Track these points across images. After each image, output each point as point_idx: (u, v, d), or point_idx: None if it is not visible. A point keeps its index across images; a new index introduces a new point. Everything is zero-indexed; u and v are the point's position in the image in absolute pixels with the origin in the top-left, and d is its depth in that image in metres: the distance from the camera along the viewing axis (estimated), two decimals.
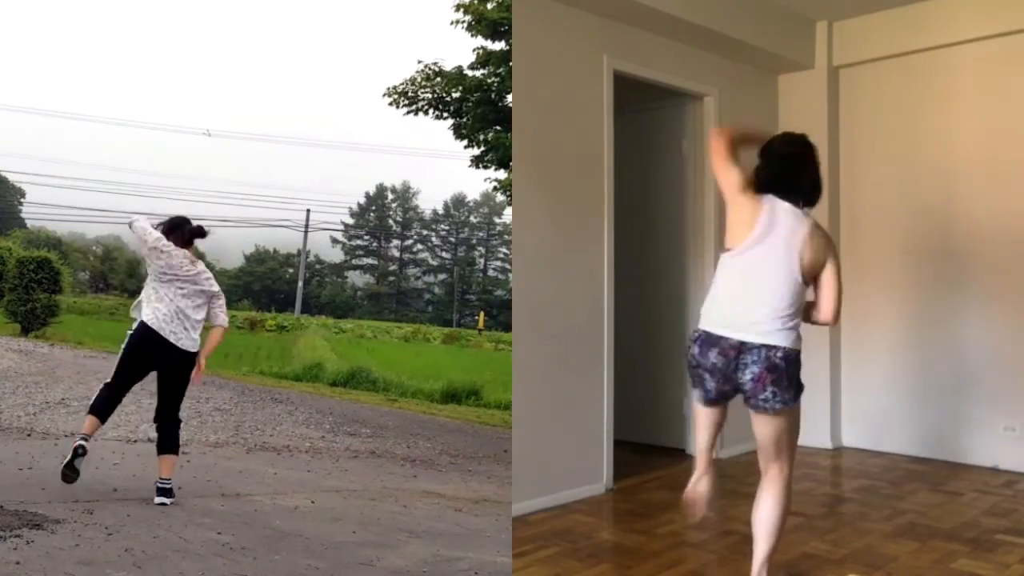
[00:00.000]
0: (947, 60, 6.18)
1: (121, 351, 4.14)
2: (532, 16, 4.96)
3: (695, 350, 3.20)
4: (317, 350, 14.60)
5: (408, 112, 9.31)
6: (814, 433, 6.61)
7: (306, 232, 34.67)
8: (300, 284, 34.31)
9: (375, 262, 46.69)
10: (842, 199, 6.71)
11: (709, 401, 3.27)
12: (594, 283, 5.33)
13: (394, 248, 47.50)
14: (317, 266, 43.05)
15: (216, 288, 4.22)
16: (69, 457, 3.89)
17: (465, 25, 8.89)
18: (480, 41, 9.00)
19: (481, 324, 31.37)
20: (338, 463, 5.62)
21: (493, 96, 8.98)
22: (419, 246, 47.22)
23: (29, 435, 5.42)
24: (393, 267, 46.61)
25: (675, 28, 5.63)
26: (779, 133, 3.43)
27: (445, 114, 9.36)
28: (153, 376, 4.18)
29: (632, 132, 6.37)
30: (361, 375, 10.93)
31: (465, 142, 9.32)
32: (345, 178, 52.72)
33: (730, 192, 3.22)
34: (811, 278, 3.22)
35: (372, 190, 46.72)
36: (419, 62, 9.21)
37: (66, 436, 5.51)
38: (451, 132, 9.43)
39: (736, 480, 5.58)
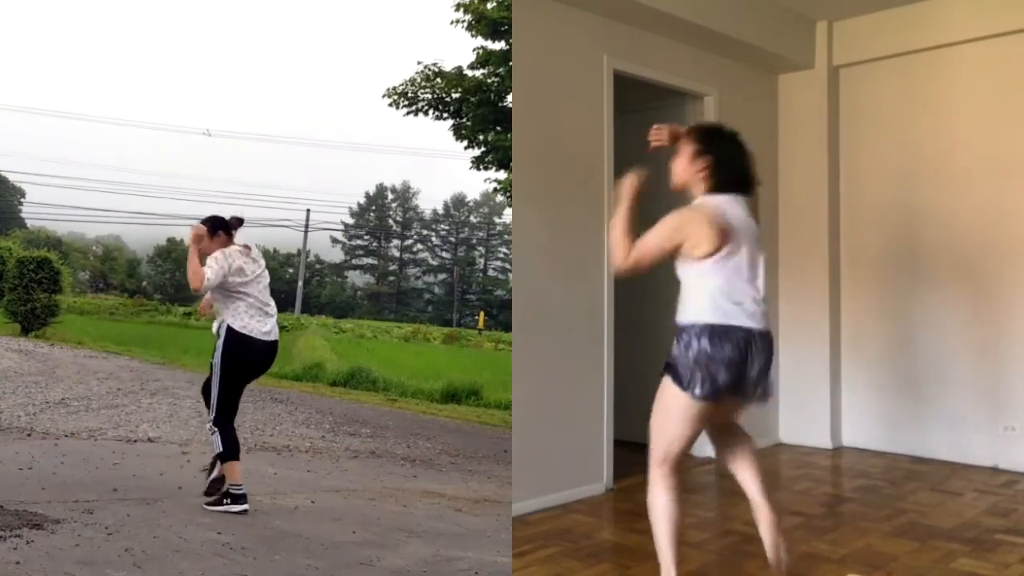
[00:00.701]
0: (947, 60, 6.18)
1: (219, 378, 3.99)
2: (532, 16, 4.96)
3: (702, 344, 3.10)
4: (317, 350, 14.59)
5: (408, 113, 9.33)
6: (814, 433, 6.62)
7: (306, 232, 34.71)
8: (300, 284, 34.34)
9: (375, 262, 46.70)
10: (842, 199, 6.72)
11: (717, 397, 3.13)
12: (594, 283, 5.33)
13: (394, 248, 47.50)
14: (317, 266, 43.07)
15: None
16: (236, 507, 3.84)
17: (465, 25, 8.90)
18: (480, 41, 9.02)
19: (481, 324, 31.37)
20: (338, 463, 5.62)
21: (493, 97, 8.99)
22: (419, 246, 47.22)
23: (29, 435, 5.42)
24: (393, 267, 46.61)
25: (675, 28, 5.63)
26: (693, 126, 3.54)
27: (445, 115, 9.37)
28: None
29: (632, 132, 6.36)
30: (361, 375, 10.92)
31: (465, 143, 9.33)
32: (345, 178, 52.80)
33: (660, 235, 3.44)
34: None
35: (372, 190, 46.74)
36: (419, 63, 9.23)
37: (66, 436, 5.52)
38: (451, 133, 9.44)
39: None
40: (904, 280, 6.39)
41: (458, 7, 8.87)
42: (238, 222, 4.32)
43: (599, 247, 5.34)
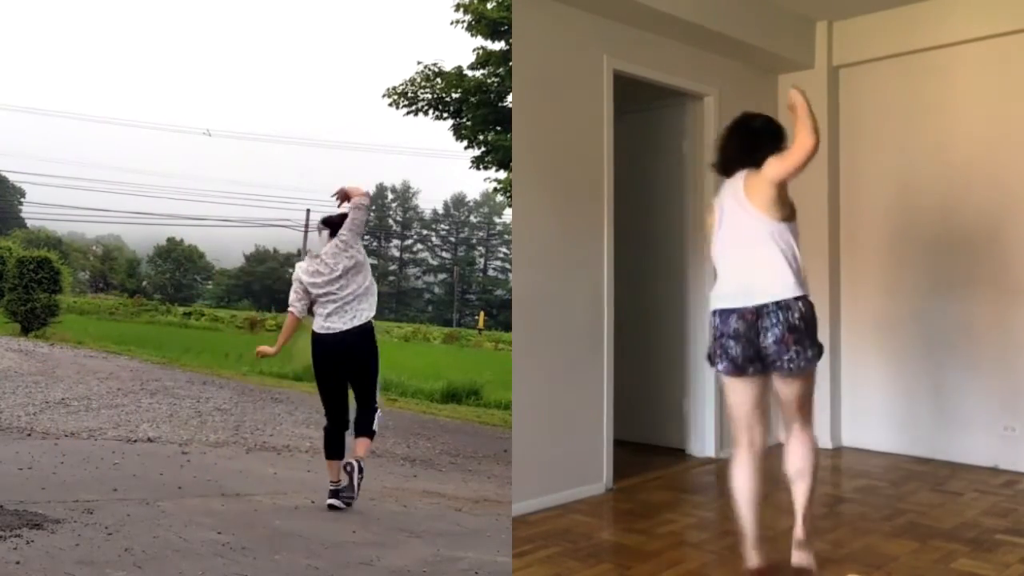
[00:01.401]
0: (947, 60, 6.18)
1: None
2: (532, 16, 4.96)
3: (715, 321, 3.43)
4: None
5: (408, 113, 9.33)
6: (815, 432, 6.61)
7: (306, 232, 34.61)
8: None
9: (375, 262, 46.69)
10: (842, 199, 6.71)
11: (737, 368, 3.35)
12: (594, 283, 5.33)
13: (394, 248, 47.52)
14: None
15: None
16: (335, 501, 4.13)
17: (465, 25, 8.90)
18: (480, 41, 9.02)
19: (481, 324, 31.38)
20: None
21: (493, 97, 8.99)
22: (419, 246, 47.25)
23: (29, 435, 5.42)
24: (393, 267, 46.62)
25: (675, 28, 5.63)
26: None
27: (445, 115, 9.37)
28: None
29: (632, 132, 6.37)
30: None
31: (465, 143, 9.33)
32: (345, 178, 52.64)
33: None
34: (777, 208, 3.43)
35: (372, 190, 46.57)
36: (419, 63, 9.23)
37: (66, 436, 5.52)
38: (451, 133, 9.44)
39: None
40: (904, 280, 6.38)
41: (458, 7, 8.88)
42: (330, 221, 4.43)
43: (599, 247, 5.34)
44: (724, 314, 3.39)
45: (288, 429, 6.77)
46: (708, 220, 3.62)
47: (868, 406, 6.53)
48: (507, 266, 42.63)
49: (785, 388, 3.44)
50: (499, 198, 22.61)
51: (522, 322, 4.86)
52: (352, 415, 4.32)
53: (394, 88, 9.30)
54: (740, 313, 3.33)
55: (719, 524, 4.66)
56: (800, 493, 3.49)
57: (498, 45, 8.96)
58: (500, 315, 36.77)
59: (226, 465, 5.12)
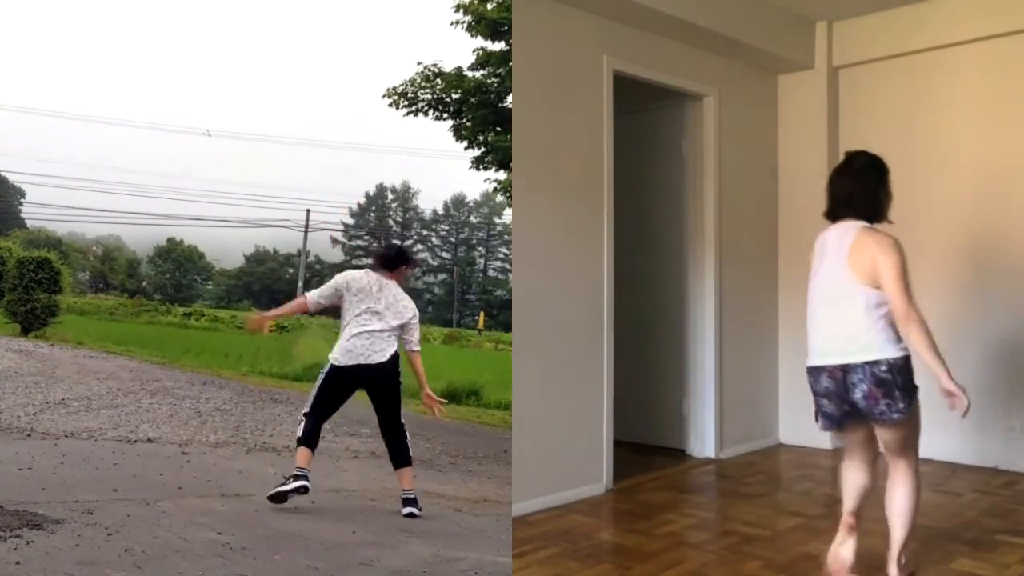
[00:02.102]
0: (947, 60, 6.18)
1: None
2: (532, 16, 4.96)
3: (809, 379, 3.45)
4: (317, 350, 14.56)
5: (408, 113, 9.33)
6: (814, 433, 6.59)
7: (306, 232, 34.66)
8: (300, 284, 34.27)
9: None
10: None
11: (835, 424, 3.44)
12: (594, 283, 5.33)
13: None
14: (317, 266, 43.02)
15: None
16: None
17: (465, 25, 8.90)
18: (480, 41, 9.02)
19: (481, 324, 31.39)
20: (338, 463, 5.63)
21: (493, 98, 8.99)
22: (419, 246, 47.21)
23: (29, 435, 5.42)
24: None
25: (675, 28, 5.63)
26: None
27: (445, 115, 9.37)
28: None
29: (632, 132, 6.37)
30: None
31: (465, 143, 9.33)
32: (345, 178, 52.80)
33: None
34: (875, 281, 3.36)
35: (372, 190, 46.75)
36: (419, 63, 9.23)
37: (66, 436, 5.52)
38: (451, 133, 9.44)
39: (735, 480, 5.59)
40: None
41: (458, 8, 8.87)
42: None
43: (599, 247, 5.34)
44: (815, 372, 3.43)
45: (288, 429, 6.76)
46: (812, 260, 3.65)
47: None
48: (507, 266, 42.63)
49: (884, 435, 3.43)
50: (499, 198, 22.60)
51: (522, 322, 4.86)
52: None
53: (394, 88, 9.30)
54: (829, 371, 3.36)
55: (719, 524, 4.67)
56: (896, 534, 3.44)
57: (498, 45, 8.96)
58: (500, 315, 36.76)
59: (226, 465, 5.13)
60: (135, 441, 5.60)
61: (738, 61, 6.38)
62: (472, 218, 47.34)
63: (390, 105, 9.31)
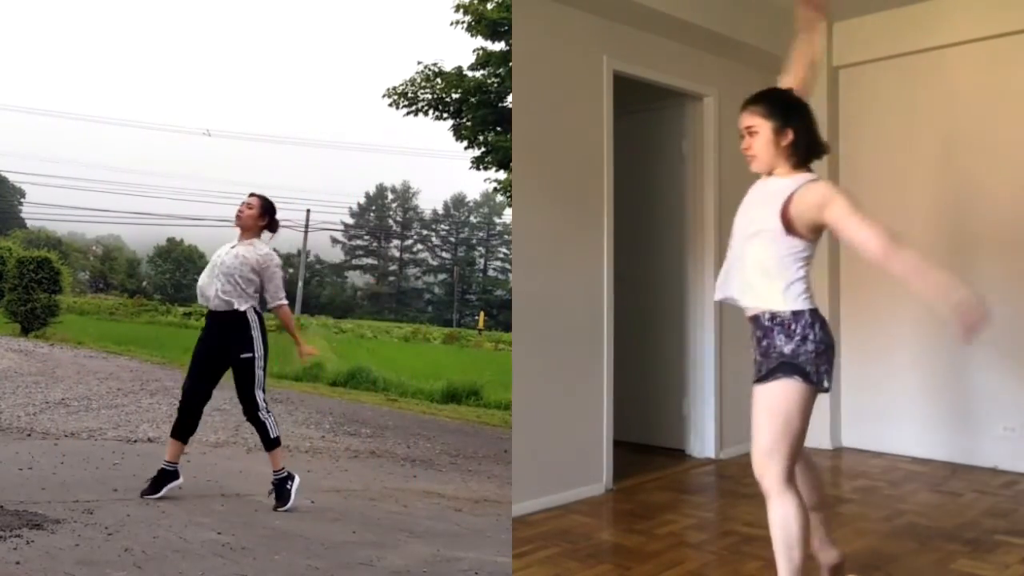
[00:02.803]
0: (947, 60, 6.18)
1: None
2: (532, 16, 4.96)
3: (818, 333, 2.85)
4: (317, 350, 14.58)
5: (408, 113, 9.34)
6: (814, 433, 6.59)
7: (306, 232, 34.65)
8: (300, 284, 34.27)
9: (375, 262, 46.70)
10: None
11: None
12: (594, 283, 5.33)
13: (394, 248, 47.49)
14: (317, 266, 43.06)
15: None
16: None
17: (465, 25, 8.91)
18: (480, 41, 9.04)
19: (481, 324, 31.37)
20: (338, 463, 5.62)
21: (493, 97, 8.99)
22: (419, 246, 47.21)
23: (29, 435, 5.42)
24: (393, 267, 46.60)
25: (675, 28, 5.63)
26: (770, 88, 3.10)
27: (445, 115, 9.38)
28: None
29: (632, 132, 6.37)
30: (361, 375, 10.91)
31: (465, 143, 9.34)
32: (345, 178, 52.77)
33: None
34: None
35: (372, 190, 46.74)
36: (419, 63, 9.25)
37: (66, 436, 5.51)
38: (451, 133, 9.45)
39: (735, 480, 5.59)
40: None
41: (458, 8, 8.88)
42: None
43: (599, 247, 5.34)
44: (821, 320, 2.91)
45: (288, 429, 6.76)
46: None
47: (868, 407, 6.54)
48: (507, 266, 42.63)
49: None
50: (499, 198, 22.63)
51: (522, 322, 4.86)
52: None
53: (394, 88, 9.31)
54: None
55: (719, 524, 4.67)
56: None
57: (498, 45, 8.98)
58: (500, 315, 36.75)
59: (226, 465, 5.12)
60: (135, 441, 5.59)
61: (738, 61, 6.38)
62: (472, 218, 47.32)
63: (390, 105, 9.34)
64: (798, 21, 3.20)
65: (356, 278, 45.91)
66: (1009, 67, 5.90)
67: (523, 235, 4.92)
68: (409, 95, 9.29)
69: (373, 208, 47.15)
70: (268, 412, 4.22)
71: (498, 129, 9.02)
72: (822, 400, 6.84)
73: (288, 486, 4.10)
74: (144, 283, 40.69)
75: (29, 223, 37.99)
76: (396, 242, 47.57)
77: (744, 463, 6.06)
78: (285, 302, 4.31)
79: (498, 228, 45.78)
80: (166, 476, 4.08)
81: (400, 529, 3.95)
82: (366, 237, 46.94)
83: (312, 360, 4.34)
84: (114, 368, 9.39)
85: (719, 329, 6.21)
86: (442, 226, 47.35)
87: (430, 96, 9.28)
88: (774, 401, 2.85)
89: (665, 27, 5.60)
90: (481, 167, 9.41)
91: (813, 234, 2.87)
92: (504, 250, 44.00)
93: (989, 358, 5.93)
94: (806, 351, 2.82)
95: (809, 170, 2.95)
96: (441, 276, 45.48)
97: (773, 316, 2.87)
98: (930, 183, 6.28)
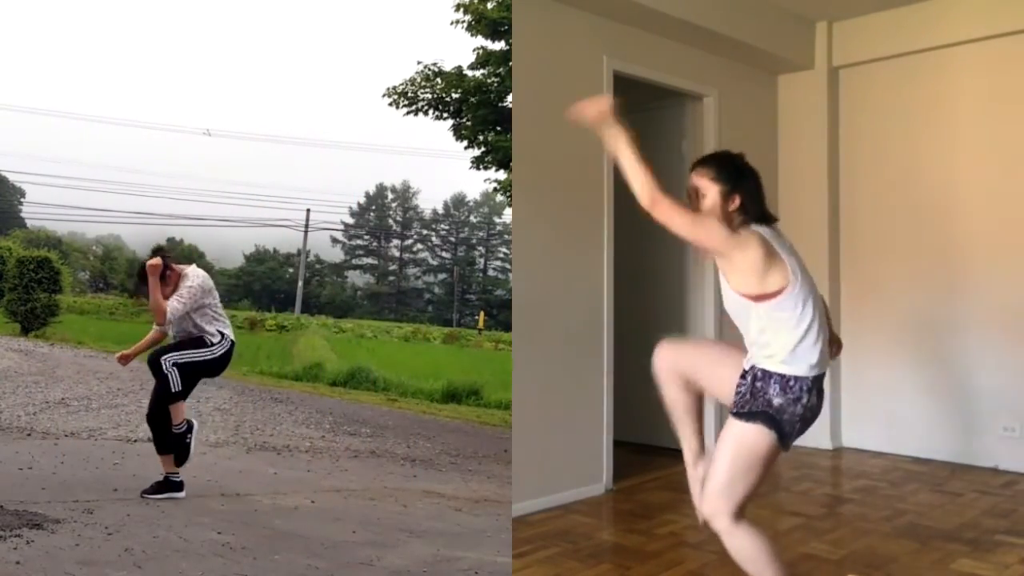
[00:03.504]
0: (947, 61, 6.18)
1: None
2: (532, 16, 4.96)
3: (812, 399, 2.77)
4: (317, 350, 14.58)
5: (408, 113, 9.34)
6: (814, 434, 6.60)
7: (306, 232, 34.66)
8: (300, 284, 34.29)
9: (375, 262, 46.67)
10: (842, 200, 6.72)
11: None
12: (594, 283, 5.33)
13: (394, 248, 47.47)
14: (317, 266, 43.03)
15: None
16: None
17: (465, 25, 8.91)
18: (480, 41, 9.03)
19: (481, 324, 31.35)
20: (338, 463, 5.62)
21: (493, 97, 8.99)
22: (419, 246, 47.19)
23: (29, 435, 5.42)
24: (393, 267, 46.59)
25: (675, 28, 5.63)
26: (720, 152, 3.08)
27: (445, 115, 9.38)
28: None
29: (632, 132, 6.37)
30: (361, 375, 10.92)
31: (465, 143, 9.34)
32: (345, 178, 52.81)
33: (726, 239, 2.75)
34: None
35: (372, 190, 46.73)
36: (419, 63, 9.24)
37: (66, 436, 5.52)
38: (451, 133, 9.45)
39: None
40: (904, 281, 6.39)
41: (458, 7, 8.88)
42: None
43: (599, 247, 5.34)
44: (818, 381, 2.80)
45: (288, 429, 6.77)
46: (776, 253, 2.79)
47: (868, 407, 6.54)
48: (507, 266, 42.62)
49: None
50: (499, 198, 22.63)
51: (522, 322, 4.86)
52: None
53: (394, 88, 9.31)
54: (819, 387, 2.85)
55: None
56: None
57: (498, 45, 8.97)
58: (500, 315, 36.73)
59: (226, 465, 5.12)
60: (135, 441, 5.59)
61: (738, 61, 6.38)
62: (472, 218, 47.30)
63: (390, 104, 9.33)
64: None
65: (356, 278, 45.90)
66: (1009, 67, 5.90)
67: (523, 235, 4.92)
68: (409, 95, 9.29)
69: (373, 208, 47.14)
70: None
71: (498, 129, 9.01)
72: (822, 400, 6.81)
73: (188, 439, 4.14)
74: None
75: (29, 223, 37.99)
76: (396, 242, 47.55)
77: None
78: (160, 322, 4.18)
79: (498, 228, 45.77)
80: (170, 485, 4.09)
81: (400, 529, 3.95)
82: (366, 237, 46.93)
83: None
84: (114, 368, 9.35)
85: (719, 329, 6.20)
86: (442, 226, 47.33)
87: (430, 96, 9.28)
88: (746, 442, 2.78)
89: (665, 27, 5.60)
90: (481, 167, 9.41)
91: (761, 281, 2.73)
92: (504, 250, 44.00)
93: (989, 358, 5.93)
94: (792, 412, 2.74)
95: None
96: (441, 276, 45.47)
97: (777, 375, 2.76)
98: (930, 183, 6.28)
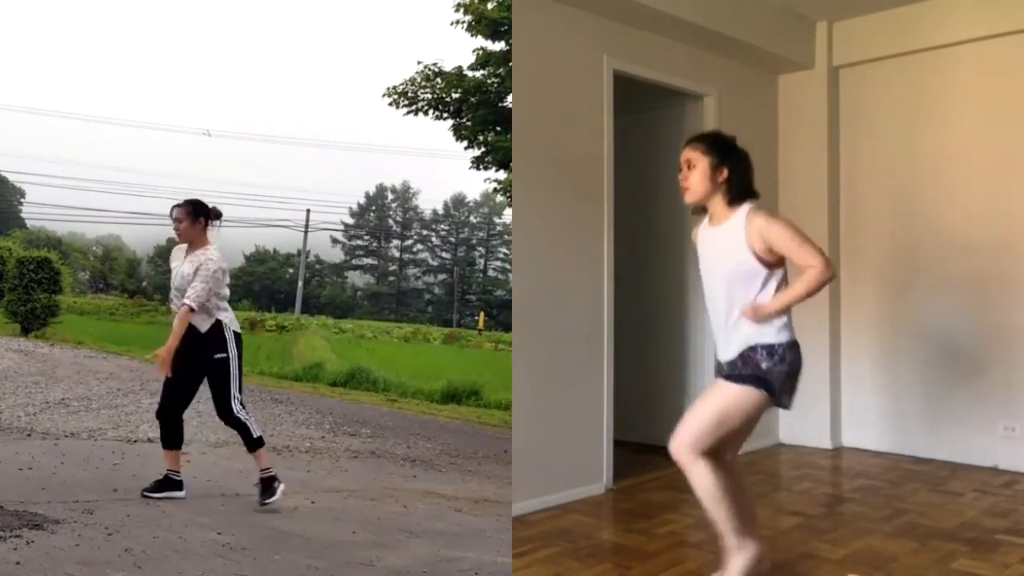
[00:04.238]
0: (946, 60, 6.19)
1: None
2: (532, 16, 4.96)
3: (793, 356, 3.20)
4: (317, 350, 14.59)
5: (408, 112, 9.34)
6: (814, 433, 6.62)
7: (306, 232, 34.66)
8: (300, 284, 34.29)
9: (375, 262, 46.67)
10: (841, 199, 6.72)
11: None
12: (594, 283, 5.33)
13: (394, 248, 47.48)
14: (317, 266, 43.04)
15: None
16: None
17: (465, 25, 8.92)
18: (480, 41, 9.04)
19: (481, 324, 31.36)
20: (338, 463, 5.62)
21: (493, 97, 9.00)
22: (419, 246, 47.19)
23: (29, 435, 5.42)
24: (393, 267, 46.59)
25: (675, 28, 5.63)
26: (713, 130, 3.45)
27: (445, 115, 9.38)
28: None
29: (632, 132, 6.37)
30: (361, 375, 10.92)
31: (465, 143, 9.34)
32: (345, 178, 52.79)
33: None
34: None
35: (372, 190, 46.73)
36: (419, 63, 9.25)
37: (66, 436, 5.52)
38: (451, 133, 9.45)
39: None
40: (904, 280, 6.39)
41: (458, 7, 8.88)
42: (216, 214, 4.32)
43: (599, 247, 5.34)
44: (798, 349, 3.28)
45: (288, 429, 6.77)
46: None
47: (868, 406, 6.54)
48: (507, 266, 42.61)
49: None
50: (499, 198, 22.61)
51: (522, 322, 4.86)
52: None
53: (394, 88, 9.31)
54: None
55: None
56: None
57: (498, 45, 8.98)
58: (500, 315, 36.73)
59: (226, 465, 5.12)
60: (135, 441, 5.59)
61: (738, 61, 6.38)
62: (472, 218, 47.30)
63: (390, 104, 9.34)
64: None
65: (356, 278, 45.90)
66: (1009, 66, 5.90)
67: (523, 235, 4.92)
68: (409, 95, 9.29)
69: (373, 208, 47.14)
70: (247, 412, 4.15)
71: (498, 129, 9.02)
72: (822, 400, 6.86)
73: (275, 485, 4.08)
74: (144, 283, 40.66)
75: (29, 223, 37.99)
76: (396, 242, 47.55)
77: (744, 462, 6.05)
78: (187, 303, 4.07)
79: (498, 228, 45.77)
80: (170, 484, 4.08)
81: (400, 529, 3.95)
82: (366, 237, 46.93)
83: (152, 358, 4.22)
84: (114, 368, 9.39)
85: None
86: (442, 226, 47.33)
87: (430, 96, 9.28)
88: (724, 399, 3.17)
89: (665, 27, 5.60)
90: (481, 167, 9.41)
91: (774, 258, 3.14)
92: (504, 250, 44.00)
93: (989, 358, 5.93)
94: (779, 371, 3.14)
95: (743, 204, 3.20)
96: (441, 276, 45.47)
97: (764, 345, 3.15)
98: (930, 183, 6.28)
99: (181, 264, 4.21)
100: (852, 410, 6.63)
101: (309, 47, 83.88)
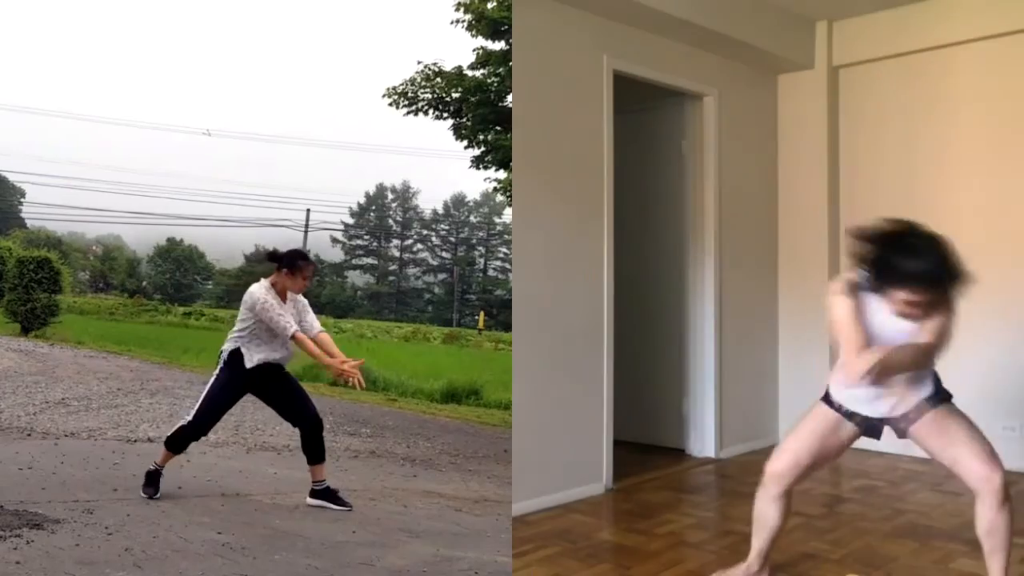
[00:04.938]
0: (947, 60, 6.18)
1: None
2: (532, 16, 4.96)
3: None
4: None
5: (408, 112, 9.33)
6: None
7: (306, 232, 34.69)
8: None
9: (375, 262, 46.70)
10: (841, 200, 6.72)
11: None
12: (594, 283, 5.33)
13: (394, 248, 47.51)
14: (317, 266, 43.08)
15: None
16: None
17: (465, 25, 8.91)
18: (480, 41, 9.02)
19: (481, 324, 31.38)
20: (338, 463, 5.62)
21: (493, 97, 8.99)
22: (419, 246, 47.23)
23: (29, 435, 5.42)
24: (393, 267, 46.62)
25: (675, 28, 5.63)
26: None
27: (445, 114, 9.38)
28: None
29: (632, 132, 6.37)
30: (361, 375, 10.91)
31: (465, 143, 9.33)
32: (345, 178, 52.88)
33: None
34: None
35: (372, 190, 46.78)
36: (419, 62, 9.24)
37: (66, 436, 5.52)
38: (451, 132, 9.45)
39: (735, 480, 5.59)
40: None
41: (458, 7, 8.88)
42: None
43: (599, 247, 5.34)
44: None
45: (288, 429, 6.75)
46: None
47: None
48: (507, 266, 42.60)
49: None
50: (499, 198, 22.62)
51: (522, 322, 4.86)
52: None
53: (394, 88, 9.30)
54: None
55: (719, 524, 4.67)
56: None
57: (498, 45, 8.97)
58: (500, 315, 36.73)
59: (226, 465, 5.13)
60: (135, 441, 5.60)
61: (738, 61, 6.38)
62: (472, 218, 47.33)
63: (390, 104, 9.32)
64: None
65: (356, 278, 45.93)
66: (1009, 66, 5.89)
67: (523, 235, 4.92)
68: (409, 95, 9.28)
69: (373, 208, 47.17)
70: None
71: (498, 129, 9.01)
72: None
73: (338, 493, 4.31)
74: (144, 283, 40.70)
75: (29, 223, 38.03)
76: (396, 242, 47.59)
77: (744, 463, 6.06)
78: (296, 330, 4.69)
79: (498, 228, 45.78)
80: (152, 476, 4.12)
81: (400, 529, 3.95)
82: (366, 237, 46.96)
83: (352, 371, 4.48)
84: (114, 368, 9.39)
85: (719, 329, 6.21)
86: (442, 226, 47.36)
87: (430, 96, 9.27)
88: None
89: (665, 26, 5.60)
90: (481, 167, 9.41)
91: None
92: (504, 250, 44.01)
93: (988, 358, 5.93)
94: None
95: None
96: (441, 276, 45.50)
97: None
98: (930, 183, 6.27)
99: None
100: None
101: (309, 47, 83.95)
